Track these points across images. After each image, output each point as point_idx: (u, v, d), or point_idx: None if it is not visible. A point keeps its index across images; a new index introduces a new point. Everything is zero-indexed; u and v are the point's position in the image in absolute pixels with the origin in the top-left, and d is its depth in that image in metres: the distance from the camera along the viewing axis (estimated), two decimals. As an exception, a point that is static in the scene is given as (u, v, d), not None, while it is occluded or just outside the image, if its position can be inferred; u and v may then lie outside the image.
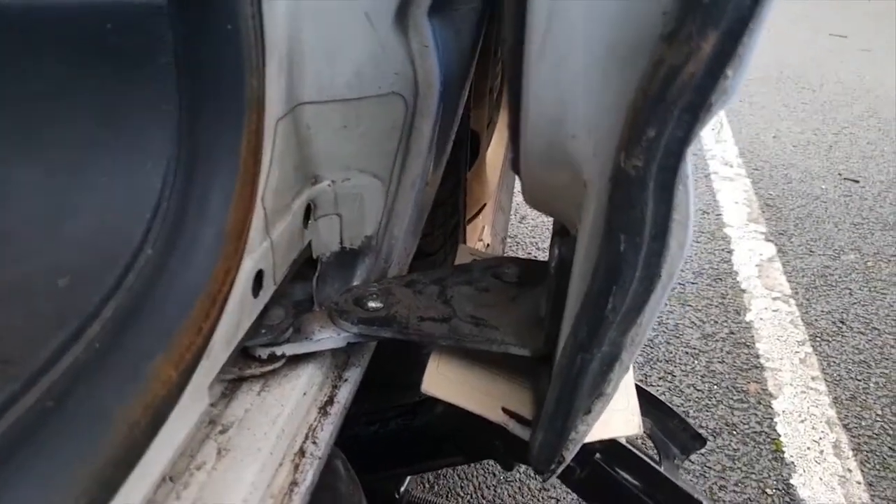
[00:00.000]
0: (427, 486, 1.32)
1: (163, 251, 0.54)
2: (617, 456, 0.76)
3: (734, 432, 1.59)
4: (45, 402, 0.43)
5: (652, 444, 0.82)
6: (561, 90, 0.53)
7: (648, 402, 0.71)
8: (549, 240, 2.23)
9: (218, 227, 0.56)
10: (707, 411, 1.64)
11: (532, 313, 0.71)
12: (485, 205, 1.61)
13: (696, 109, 0.45)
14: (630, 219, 0.48)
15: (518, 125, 0.58)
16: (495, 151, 1.66)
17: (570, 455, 0.62)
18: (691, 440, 0.80)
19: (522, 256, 1.96)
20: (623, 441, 0.76)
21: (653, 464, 0.76)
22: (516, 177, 1.87)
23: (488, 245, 1.67)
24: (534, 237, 2.20)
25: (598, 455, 0.76)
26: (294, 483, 0.63)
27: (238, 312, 0.60)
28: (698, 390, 1.71)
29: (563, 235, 0.70)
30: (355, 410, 0.78)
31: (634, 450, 0.76)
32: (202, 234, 0.55)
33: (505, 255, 1.45)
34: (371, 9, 0.64)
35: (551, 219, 2.42)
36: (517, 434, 0.67)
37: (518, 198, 2.28)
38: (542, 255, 2.15)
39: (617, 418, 0.65)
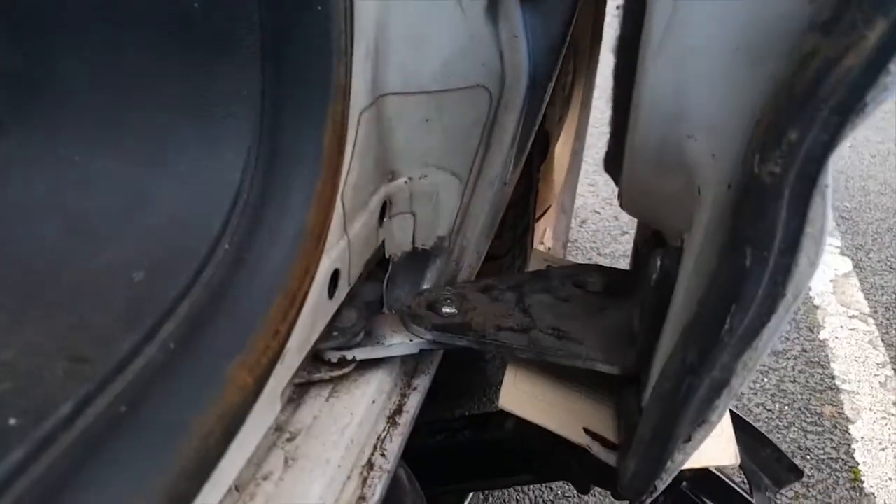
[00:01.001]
0: (481, 497, 1.27)
1: (241, 246, 0.51)
2: (706, 485, 0.70)
3: (808, 457, 1.49)
4: (119, 406, 0.41)
5: (741, 473, 0.75)
6: (680, 87, 0.48)
7: (740, 428, 0.65)
8: (610, 245, 2.15)
9: (298, 222, 0.52)
10: (778, 433, 1.54)
11: (621, 328, 0.66)
12: (549, 207, 1.56)
13: (848, 109, 0.39)
14: (759, 230, 0.43)
15: (625, 123, 0.53)
16: (561, 151, 1.60)
17: (662, 485, 0.56)
18: (786, 472, 0.73)
19: (601, 265, 1.90)
20: (713, 469, 0.70)
21: (745, 495, 0.70)
22: (578, 179, 1.80)
23: (549, 249, 1.61)
24: (594, 242, 2.13)
25: (684, 483, 0.70)
26: (362, 498, 0.59)
27: (313, 314, 0.56)
28: (768, 410, 1.61)
29: (658, 245, 0.64)
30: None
31: (725, 479, 0.69)
32: (282, 230, 0.52)
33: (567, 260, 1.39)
34: (463, -5, 0.60)
35: (613, 223, 2.31)
36: (601, 458, 0.62)
37: (580, 200, 2.21)
38: (604, 261, 2.07)
39: (711, 446, 0.59)
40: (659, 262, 0.55)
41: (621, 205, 0.61)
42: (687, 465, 0.61)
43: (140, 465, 0.39)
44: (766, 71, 0.43)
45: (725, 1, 0.43)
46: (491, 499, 1.30)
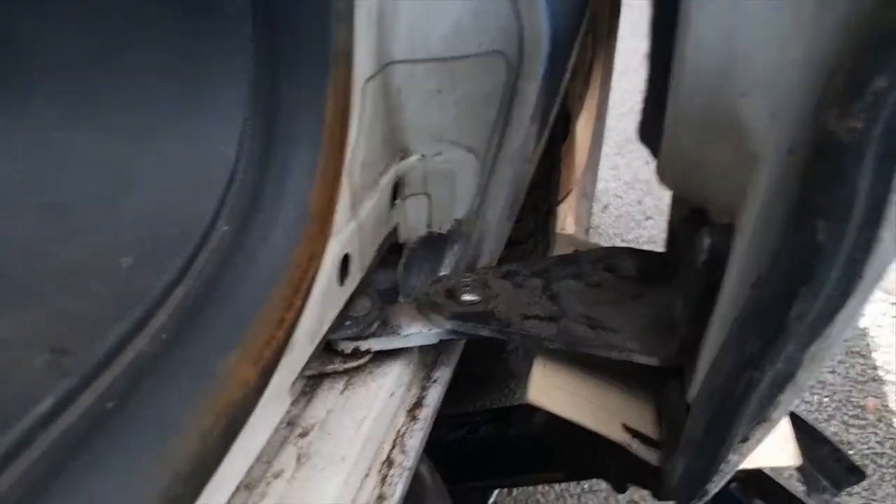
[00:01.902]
0: (506, 490, 1.22)
1: (238, 230, 0.46)
2: (758, 487, 0.64)
3: (850, 452, 1.41)
4: (105, 403, 0.36)
5: (798, 475, 0.69)
6: (732, 36, 0.41)
7: (795, 426, 0.59)
8: (634, 231, 2.08)
9: (301, 203, 0.47)
10: (817, 426, 1.47)
11: (659, 315, 0.60)
12: (570, 191, 1.49)
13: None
14: (834, 199, 0.37)
15: (664, 83, 0.47)
16: (582, 131, 1.54)
17: (714, 488, 0.50)
18: (846, 473, 0.67)
19: (633, 248, 1.83)
20: (765, 470, 0.64)
21: (801, 498, 0.63)
22: (600, 161, 1.72)
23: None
24: (617, 228, 2.06)
25: (733, 484, 0.64)
26: (382, 497, 0.54)
27: (323, 302, 0.51)
28: (806, 402, 1.54)
29: (701, 223, 0.58)
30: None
31: (779, 481, 0.63)
32: (283, 212, 0.47)
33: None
34: (477, -50, 0.54)
35: (637, 208, 2.24)
36: (642, 457, 0.56)
37: (601, 184, 2.14)
38: (627, 247, 2.00)
39: (767, 445, 0.53)
40: (706, 242, 0.49)
41: (660, 179, 0.55)
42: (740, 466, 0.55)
43: (129, 468, 0.34)
44: (838, 12, 0.37)
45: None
46: (515, 491, 1.25)
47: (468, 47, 0.58)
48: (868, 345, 1.72)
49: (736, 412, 0.44)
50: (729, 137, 0.44)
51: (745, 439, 0.47)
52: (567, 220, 1.58)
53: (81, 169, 0.45)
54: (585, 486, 1.30)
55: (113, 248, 0.44)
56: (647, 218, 2.12)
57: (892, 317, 1.82)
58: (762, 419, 0.45)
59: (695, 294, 0.52)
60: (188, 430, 0.38)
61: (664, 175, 0.54)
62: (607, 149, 1.90)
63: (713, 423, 0.46)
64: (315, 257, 0.48)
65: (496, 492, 0.86)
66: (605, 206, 2.15)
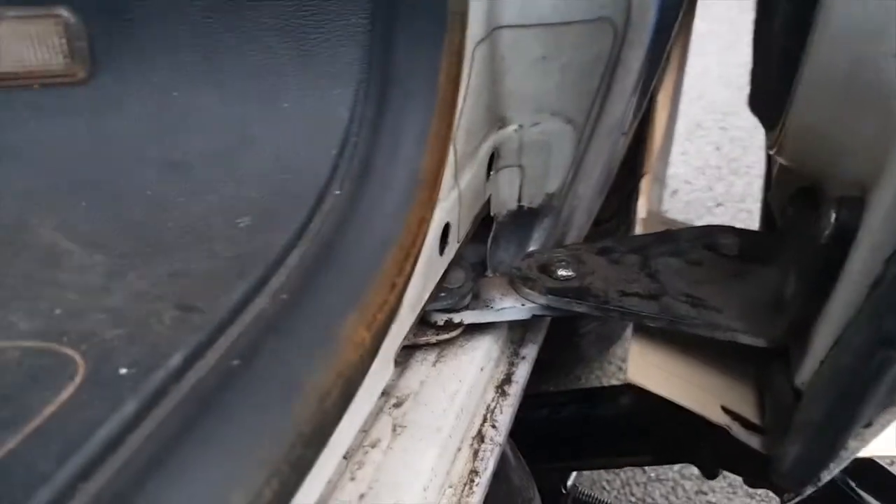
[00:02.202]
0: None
1: (352, 193, 0.46)
2: (867, 477, 0.61)
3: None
4: (231, 359, 0.37)
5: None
6: (885, -10, 0.38)
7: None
8: (705, 217, 2.01)
9: (412, 167, 0.47)
10: None
11: (765, 294, 0.58)
12: (645, 172, 1.45)
13: None
14: None
15: (796, 43, 0.44)
16: (659, 113, 1.49)
17: (829, 475, 0.48)
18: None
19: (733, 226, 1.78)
20: (877, 459, 0.60)
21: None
22: (672, 144, 1.67)
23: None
24: (687, 214, 2.00)
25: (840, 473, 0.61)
26: (474, 472, 0.54)
27: (426, 270, 0.51)
28: None
29: (812, 199, 0.55)
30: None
31: (891, 470, 0.60)
32: (395, 176, 0.47)
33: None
34: None
35: (707, 194, 2.17)
36: (743, 440, 0.54)
37: (670, 169, 2.07)
38: (696, 233, 1.94)
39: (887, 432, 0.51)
40: (834, 216, 0.46)
41: (779, 152, 0.52)
42: (847, 454, 0.53)
43: (256, 426, 0.35)
44: None
45: None
46: (580, 477, 1.23)
47: (577, 13, 0.56)
48: None
49: (864, 395, 0.42)
50: (874, 105, 0.41)
51: (868, 424, 0.44)
52: (639, 203, 1.55)
53: (202, 128, 0.46)
54: (652, 474, 1.27)
55: (232, 206, 0.44)
56: (718, 205, 2.05)
57: None
58: (891, 403, 0.43)
59: (813, 271, 0.49)
60: (310, 390, 0.38)
61: (784, 147, 0.51)
62: (677, 133, 1.84)
63: (836, 405, 0.44)
64: (424, 223, 0.48)
65: (574, 474, 0.85)
66: (675, 192, 2.09)
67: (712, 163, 2.19)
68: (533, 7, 0.55)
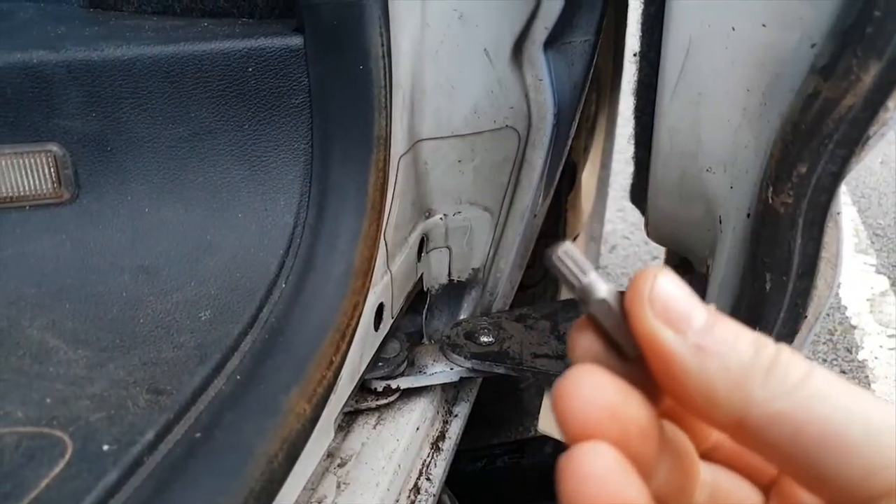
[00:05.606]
0: None
1: (296, 286, 0.55)
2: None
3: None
4: (195, 433, 0.45)
5: None
6: (696, 126, 0.51)
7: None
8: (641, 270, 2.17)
9: (347, 262, 0.57)
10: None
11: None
12: (577, 234, 1.59)
13: (852, 143, 0.42)
14: (777, 257, 0.46)
15: (647, 158, 0.56)
16: (588, 179, 1.64)
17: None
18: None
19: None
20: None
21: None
22: (606, 205, 1.82)
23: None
24: (625, 268, 2.14)
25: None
26: (411, 521, 0.62)
27: (362, 346, 0.60)
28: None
29: (686, 271, 0.67)
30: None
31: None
32: (332, 270, 0.56)
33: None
34: (490, 45, 0.65)
35: (644, 248, 2.31)
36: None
37: (609, 226, 2.23)
38: (634, 286, 2.07)
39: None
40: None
41: (648, 234, 0.64)
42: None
43: (216, 487, 0.43)
44: (774, 109, 0.47)
45: (733, 48, 0.46)
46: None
47: (485, 124, 0.68)
48: (867, 376, 1.78)
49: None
50: (699, 202, 0.54)
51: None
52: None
53: (168, 237, 0.56)
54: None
55: (195, 302, 0.53)
56: (654, 258, 2.20)
57: (889, 349, 1.88)
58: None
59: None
60: (259, 455, 0.46)
61: (651, 231, 0.64)
62: (613, 192, 1.99)
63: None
64: (358, 307, 0.57)
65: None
66: (613, 247, 2.24)
67: (648, 219, 2.36)
68: (447, 122, 0.67)
